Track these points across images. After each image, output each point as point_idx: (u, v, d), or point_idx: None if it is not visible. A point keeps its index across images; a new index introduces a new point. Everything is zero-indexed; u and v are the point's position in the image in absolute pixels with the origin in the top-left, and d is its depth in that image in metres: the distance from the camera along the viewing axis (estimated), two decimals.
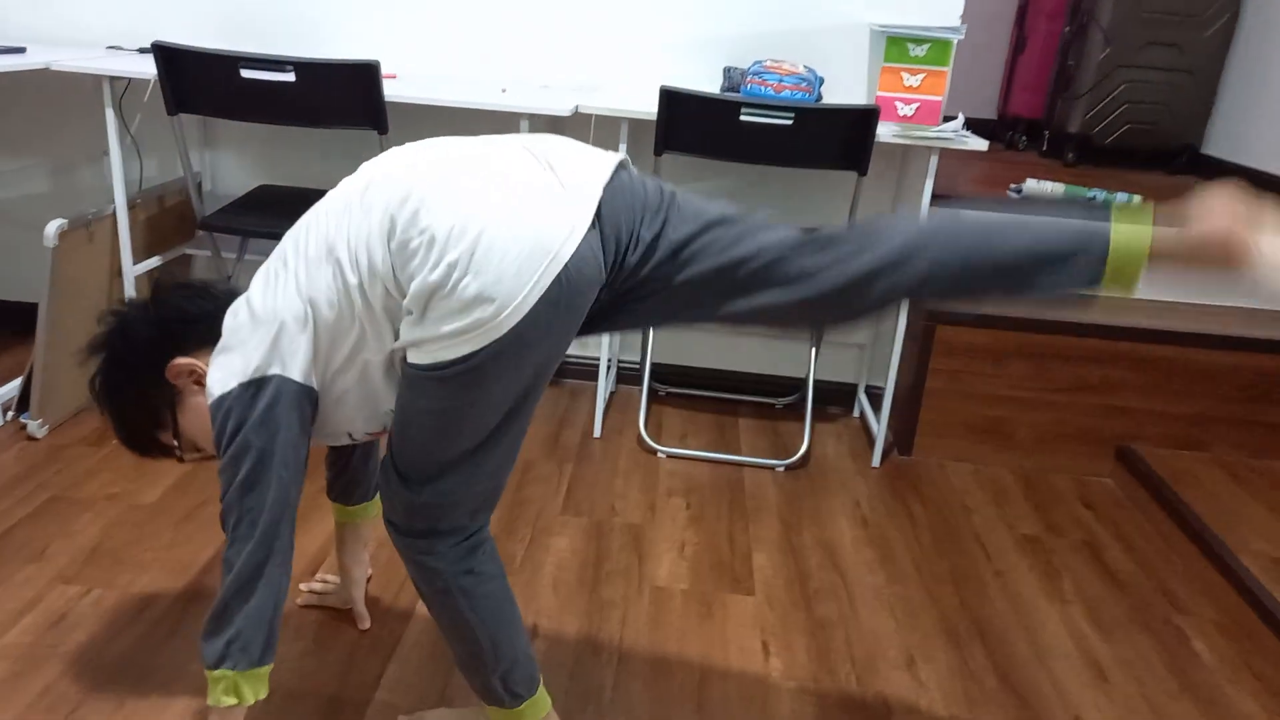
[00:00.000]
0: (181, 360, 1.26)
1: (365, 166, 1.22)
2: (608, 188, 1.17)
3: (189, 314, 1.29)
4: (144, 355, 1.28)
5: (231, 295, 1.25)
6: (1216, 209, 1.07)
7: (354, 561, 1.69)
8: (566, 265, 1.09)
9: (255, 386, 1.16)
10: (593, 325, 1.24)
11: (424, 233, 1.08)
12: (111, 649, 1.59)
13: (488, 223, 1.08)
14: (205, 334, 1.23)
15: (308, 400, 1.19)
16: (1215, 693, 1.71)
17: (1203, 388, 2.47)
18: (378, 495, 1.63)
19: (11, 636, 1.60)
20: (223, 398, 1.17)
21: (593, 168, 1.19)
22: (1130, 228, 1.09)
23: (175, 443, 1.33)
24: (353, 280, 1.13)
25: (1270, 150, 3.08)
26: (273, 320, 1.16)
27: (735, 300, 1.20)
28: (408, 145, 1.23)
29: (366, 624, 1.69)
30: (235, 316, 1.20)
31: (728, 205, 1.24)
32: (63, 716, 1.44)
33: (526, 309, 1.08)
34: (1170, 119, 3.30)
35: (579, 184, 1.16)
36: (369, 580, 1.81)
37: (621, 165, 1.23)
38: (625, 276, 1.21)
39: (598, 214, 1.15)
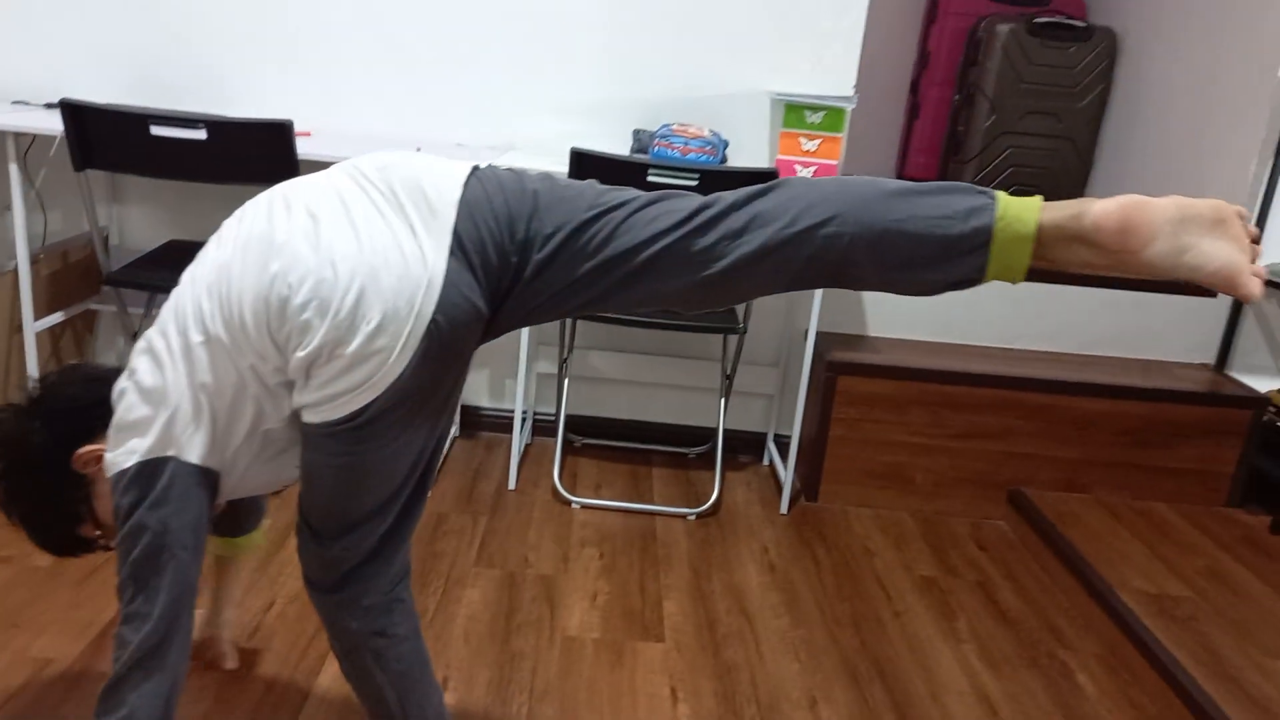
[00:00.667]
0: (87, 448, 1.23)
1: (228, 229, 1.19)
2: (462, 205, 1.13)
3: (83, 401, 1.26)
4: (46, 455, 1.25)
5: (116, 372, 1.24)
6: (1114, 201, 1.04)
7: (228, 600, 1.68)
8: (434, 315, 1.09)
9: (152, 468, 1.15)
10: (500, 326, 1.20)
11: (294, 312, 1.08)
12: (3, 714, 1.54)
13: (349, 292, 1.07)
14: (104, 417, 1.21)
15: (205, 481, 1.18)
16: None
17: (1086, 433, 2.63)
18: (265, 521, 1.64)
19: None
20: (120, 474, 1.16)
21: (442, 189, 1.14)
22: (1021, 201, 1.06)
23: (97, 533, 1.30)
24: (243, 364, 1.14)
25: None
26: (164, 405, 1.15)
27: (632, 287, 1.15)
28: (263, 199, 1.19)
29: (231, 664, 1.68)
30: (125, 396, 1.18)
31: (602, 190, 1.18)
32: None
33: (404, 364, 1.10)
34: (1052, 181, 3.53)
35: (430, 214, 1.12)
36: (261, 651, 1.78)
37: (474, 173, 1.18)
38: (509, 282, 1.16)
39: (458, 238, 1.11)
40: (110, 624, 1.80)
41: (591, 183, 1.20)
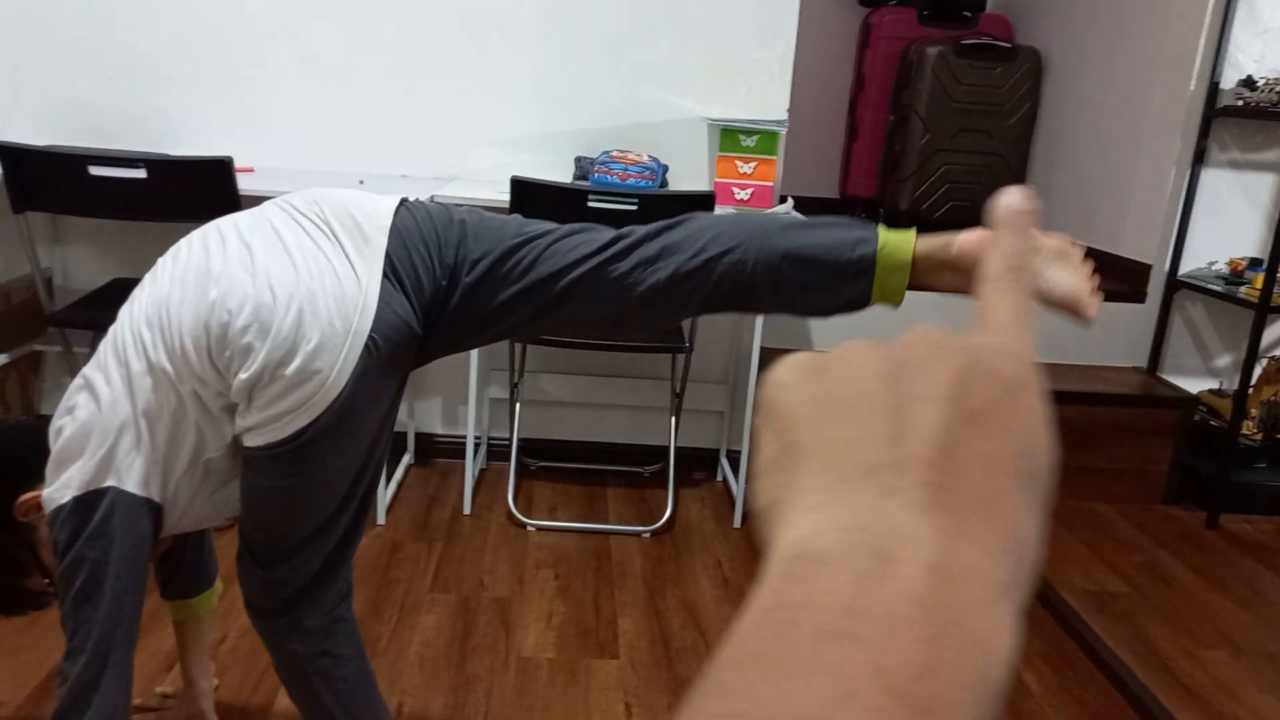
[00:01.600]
0: (27, 495, 1.23)
1: (163, 265, 1.22)
2: (393, 230, 1.20)
3: (16, 451, 1.26)
4: None
5: (47, 420, 1.24)
6: (975, 231, 1.16)
7: (199, 671, 1.63)
8: (371, 334, 1.15)
9: (90, 499, 1.16)
10: (432, 349, 1.26)
11: (235, 336, 1.12)
12: None
13: (288, 314, 1.12)
14: (39, 465, 1.21)
15: (146, 510, 1.19)
16: (1040, 719, 1.87)
17: None
18: (217, 583, 1.63)
19: None
20: (58, 510, 1.17)
21: (373, 216, 1.21)
22: (898, 234, 1.18)
23: (46, 581, 1.29)
24: (184, 389, 1.16)
25: (1073, 222, 3.44)
26: (105, 436, 1.16)
27: (555, 311, 1.23)
28: (197, 235, 1.23)
29: None
30: (63, 432, 1.19)
31: (525, 221, 1.27)
32: None
33: (343, 383, 1.14)
34: (986, 197, 3.62)
35: (363, 239, 1.18)
36: (216, 687, 1.74)
37: (403, 204, 1.26)
38: (439, 306, 1.23)
39: (390, 262, 1.18)
40: (57, 667, 1.78)
41: (516, 216, 1.30)
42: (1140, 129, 3.13)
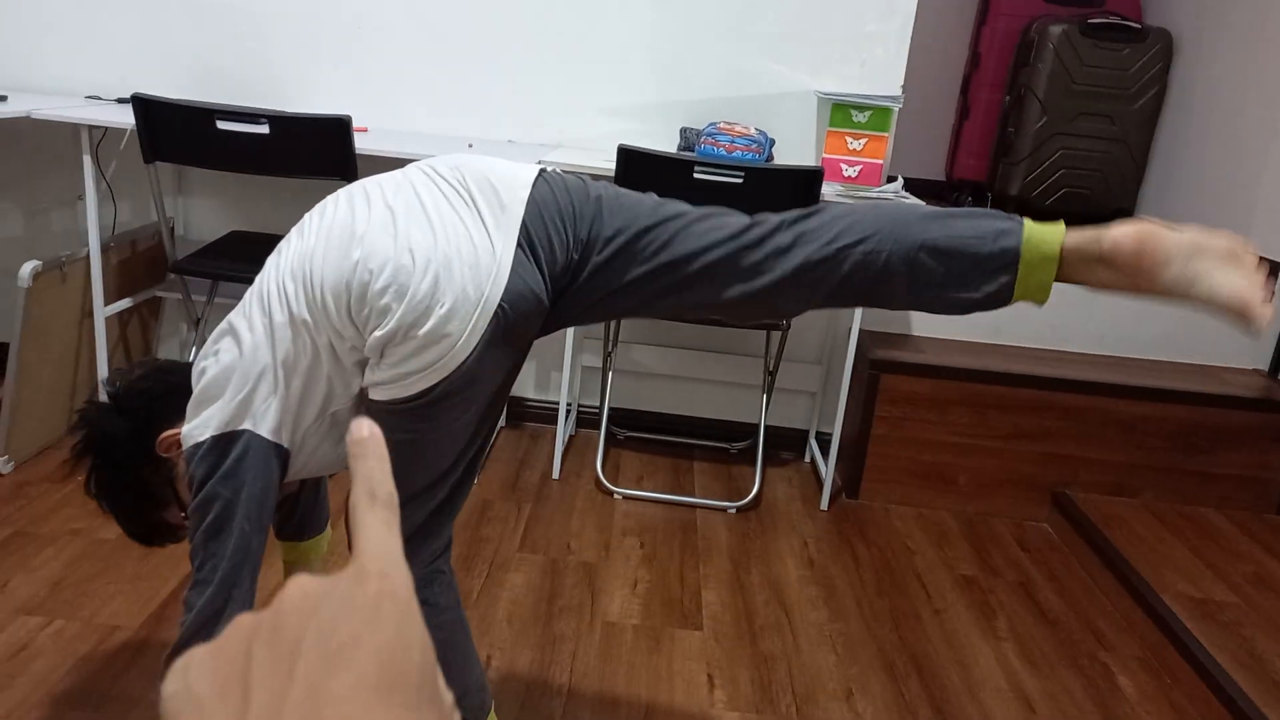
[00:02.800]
0: (168, 432, 1.29)
1: (310, 220, 1.25)
2: (530, 202, 1.22)
3: (157, 391, 1.33)
4: (128, 443, 1.32)
5: (189, 367, 1.30)
6: (1129, 224, 1.13)
7: None
8: (501, 303, 1.17)
9: (226, 440, 1.22)
10: (555, 322, 1.29)
11: (374, 296, 1.15)
12: (71, 678, 1.63)
13: (425, 278, 1.14)
14: (180, 404, 1.27)
15: (276, 456, 1.24)
16: None
17: (1133, 437, 2.61)
18: (327, 529, 1.69)
19: None
20: (196, 446, 1.23)
21: (513, 186, 1.23)
22: (1045, 226, 1.15)
23: (183, 515, 1.36)
24: (321, 342, 1.20)
25: (1198, 215, 3.27)
26: (245, 379, 1.22)
27: (682, 293, 1.24)
28: (343, 194, 1.26)
29: None
30: (207, 373, 1.25)
31: (660, 201, 1.26)
32: None
33: (471, 347, 1.17)
34: (1104, 185, 3.49)
35: (500, 208, 1.20)
36: None
37: (541, 175, 1.27)
38: (568, 279, 1.25)
39: (525, 232, 1.20)
40: (171, 594, 1.88)
41: (650, 194, 1.29)
42: (1277, 117, 2.95)
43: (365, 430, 0.35)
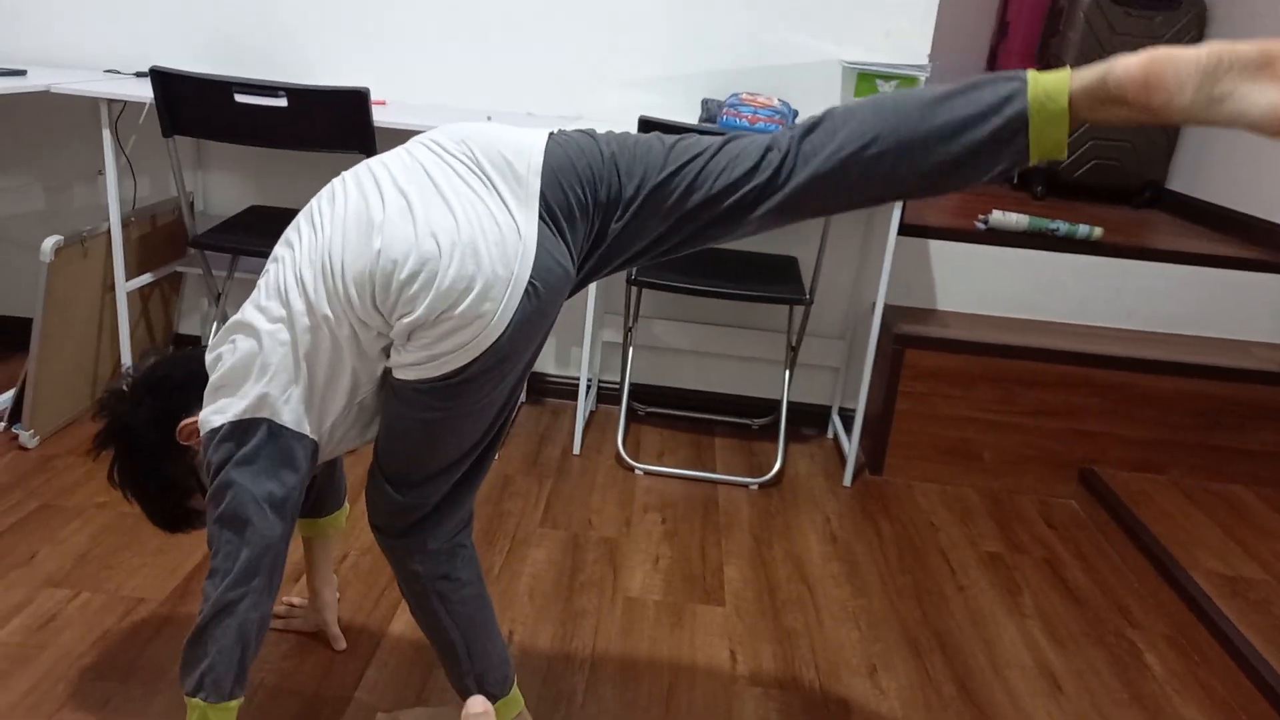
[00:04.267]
0: (188, 420, 1.28)
1: (320, 210, 1.22)
2: (545, 171, 1.18)
3: (177, 378, 1.32)
4: (150, 431, 1.31)
5: (202, 349, 1.29)
6: (1136, 54, 1.06)
7: (324, 583, 1.70)
8: (531, 280, 1.15)
9: (245, 426, 1.20)
10: (581, 284, 1.27)
11: (400, 286, 1.13)
12: (97, 649, 1.64)
13: (452, 263, 1.12)
14: (200, 392, 1.26)
15: (298, 444, 1.22)
16: (1163, 703, 1.79)
17: (1161, 413, 2.57)
18: (344, 504, 1.69)
19: (0, 636, 1.64)
20: (213, 432, 1.21)
21: (525, 156, 1.19)
22: (1049, 77, 1.09)
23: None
24: (343, 333, 1.18)
25: (1231, 187, 3.20)
26: (263, 372, 1.19)
27: (705, 233, 1.23)
28: (350, 179, 1.23)
29: (342, 645, 1.70)
30: (222, 360, 1.23)
31: (672, 144, 1.24)
32: (49, 714, 1.48)
33: (502, 327, 1.14)
34: (1134, 156, 3.42)
35: (516, 182, 1.17)
36: (338, 600, 1.82)
37: (551, 139, 1.23)
38: (590, 244, 1.23)
39: (545, 203, 1.17)
40: (196, 568, 1.89)
41: (658, 135, 1.26)
42: None
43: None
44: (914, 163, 1.13)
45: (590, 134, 1.26)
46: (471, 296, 1.12)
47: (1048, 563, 2.26)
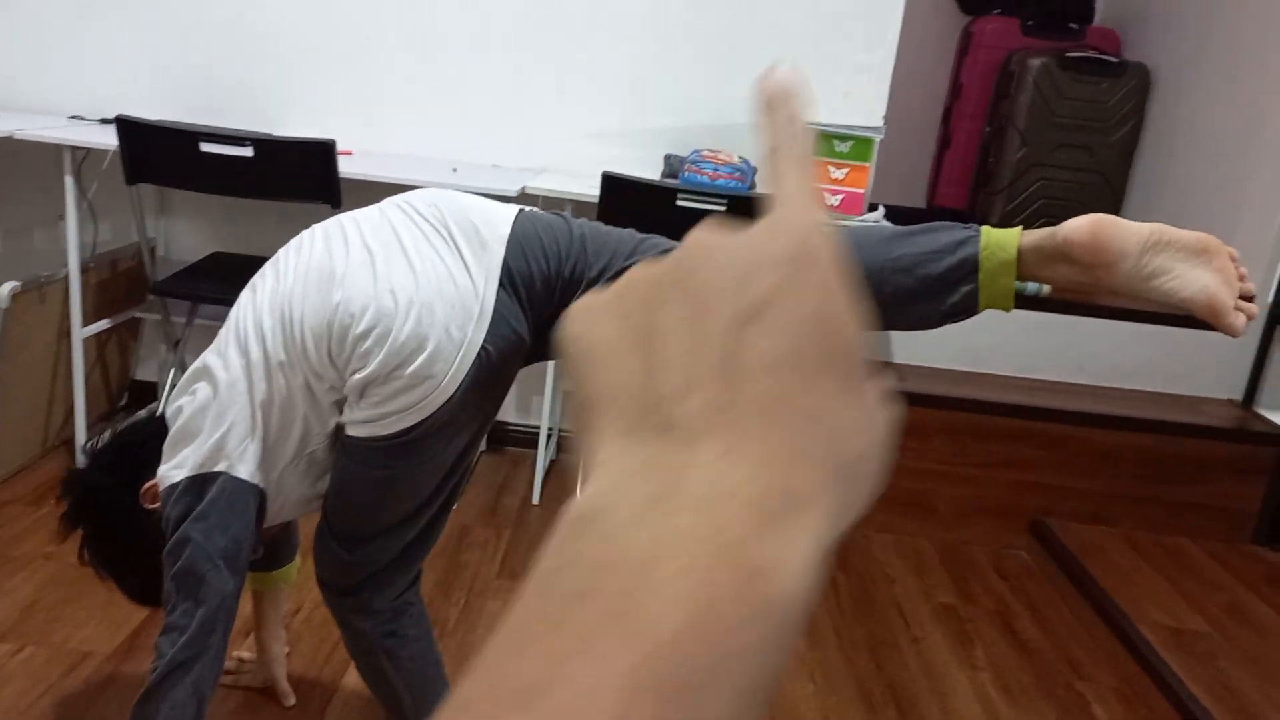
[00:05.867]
0: (150, 482, 1.27)
1: (285, 258, 1.24)
2: (511, 240, 1.21)
3: (139, 440, 1.31)
4: (115, 500, 1.30)
5: (162, 419, 1.28)
6: (1083, 217, 1.12)
7: (272, 637, 1.68)
8: (484, 344, 1.17)
9: (202, 481, 1.20)
10: (534, 358, 1.28)
11: (356, 340, 1.14)
12: (42, 704, 1.61)
13: (407, 321, 1.13)
14: (159, 451, 1.26)
15: (253, 497, 1.22)
16: None
17: (1111, 466, 2.63)
18: (296, 558, 1.67)
19: None
20: (171, 488, 1.21)
21: (493, 224, 1.22)
22: (1001, 231, 1.14)
23: None
24: (296, 382, 1.19)
25: None
26: (221, 419, 1.20)
27: None
28: (319, 231, 1.25)
29: (291, 701, 1.68)
30: (181, 412, 1.23)
31: (641, 238, 1.27)
32: None
33: (453, 389, 1.16)
34: (1080, 207, 3.53)
35: (481, 247, 1.20)
36: (288, 655, 1.78)
37: (521, 213, 1.26)
38: (551, 317, 1.24)
39: (507, 271, 1.19)
40: (145, 620, 1.86)
41: (630, 231, 1.30)
42: (1253, 152, 3.00)
43: (786, 78, 0.29)
44: (872, 290, 1.17)
45: (563, 215, 1.30)
46: (423, 356, 1.14)
47: (999, 614, 2.29)
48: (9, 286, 2.22)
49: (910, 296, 1.16)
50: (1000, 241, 1.12)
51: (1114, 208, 3.58)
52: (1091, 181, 3.50)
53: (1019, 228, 1.14)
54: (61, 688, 1.65)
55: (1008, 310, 1.15)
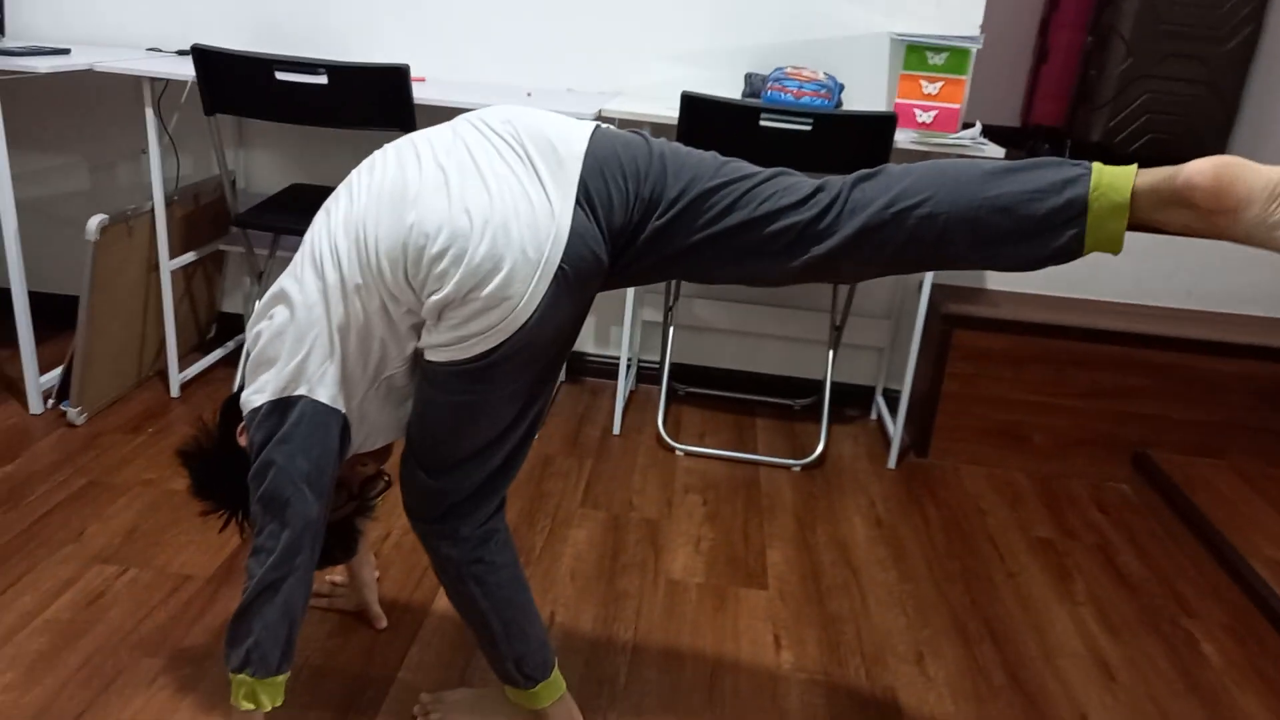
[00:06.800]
0: (243, 424, 1.28)
1: (359, 178, 1.21)
2: (588, 157, 1.17)
3: (233, 398, 1.33)
4: (227, 453, 1.33)
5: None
6: (1207, 160, 1.03)
7: (362, 563, 1.70)
8: (561, 264, 1.12)
9: (283, 405, 1.20)
10: (613, 282, 1.24)
11: (431, 260, 1.11)
12: (146, 625, 1.65)
13: (483, 241, 1.10)
14: None
15: (335, 421, 1.22)
16: (1221, 693, 1.73)
17: (1219, 395, 2.49)
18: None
19: (51, 612, 1.66)
20: (253, 412, 1.22)
21: (569, 142, 1.18)
22: (1114, 170, 1.06)
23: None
24: (373, 305, 1.17)
25: None
26: (299, 343, 1.20)
27: (742, 262, 1.19)
28: (392, 150, 1.21)
29: (383, 624, 1.71)
30: (261, 336, 1.24)
31: (724, 161, 1.21)
32: (100, 688, 1.50)
33: (531, 310, 1.13)
34: (1190, 131, 3.31)
35: (558, 165, 1.15)
36: (379, 580, 1.81)
37: (598, 129, 1.22)
38: (628, 239, 1.20)
39: (584, 189, 1.15)
40: (241, 545, 1.90)
41: (713, 153, 1.23)
42: None
43: None
44: (966, 230, 1.10)
45: (641, 133, 1.25)
46: (500, 277, 1.10)
47: (1100, 549, 2.21)
48: (97, 220, 2.25)
49: (1008, 238, 1.09)
50: (1112, 183, 1.04)
51: (1225, 124, 3.34)
52: (1201, 95, 3.27)
53: (1134, 166, 1.05)
54: (163, 610, 1.70)
55: (1115, 253, 1.07)
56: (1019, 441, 2.56)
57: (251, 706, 1.24)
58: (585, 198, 1.15)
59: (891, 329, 2.80)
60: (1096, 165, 1.06)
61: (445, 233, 1.11)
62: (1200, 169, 1.00)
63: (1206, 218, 1.02)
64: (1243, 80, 3.30)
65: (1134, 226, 1.05)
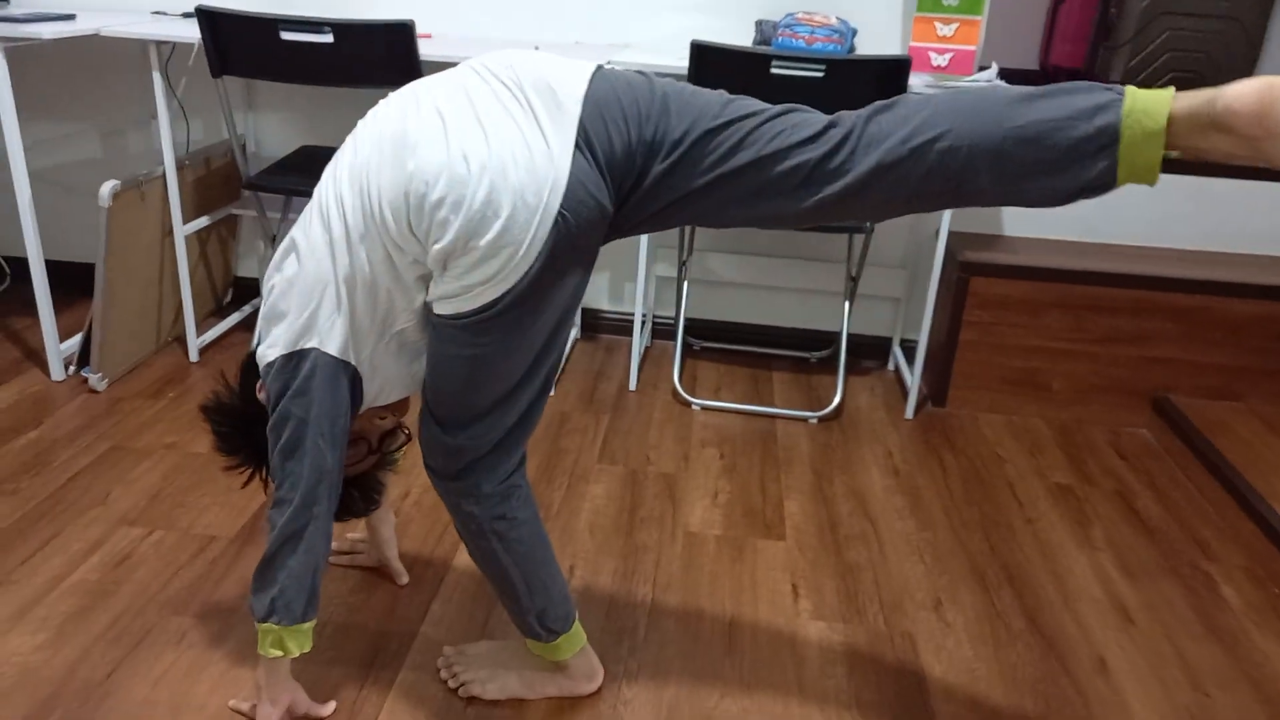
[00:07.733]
0: (260, 382, 1.30)
1: (363, 128, 1.20)
2: (588, 100, 1.14)
3: (249, 355, 1.36)
4: (249, 410, 1.36)
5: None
6: (1250, 81, 0.97)
7: (380, 520, 1.71)
8: (561, 209, 1.10)
9: (295, 358, 1.22)
10: (618, 230, 1.22)
11: (431, 208, 1.11)
12: (173, 586, 1.68)
13: (480, 186, 1.09)
14: None
15: (344, 373, 1.23)
16: (1240, 636, 1.74)
17: (1239, 338, 2.46)
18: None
19: (79, 574, 1.69)
20: (268, 366, 1.24)
21: (569, 84, 1.15)
22: (1150, 94, 0.99)
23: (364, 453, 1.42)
24: (377, 256, 1.17)
25: None
26: (309, 295, 1.21)
27: (752, 203, 1.15)
28: (395, 98, 1.20)
29: (404, 579, 1.73)
30: (274, 290, 1.25)
31: (729, 99, 1.17)
32: (129, 648, 1.53)
33: (533, 258, 1.12)
34: (1214, 70, 3.23)
35: (557, 109, 1.13)
36: (402, 536, 1.84)
37: (599, 71, 1.19)
38: (632, 183, 1.17)
39: (584, 133, 1.12)
40: (263, 506, 1.92)
41: (720, 91, 1.19)
42: None
43: None
44: (988, 163, 1.04)
45: (645, 74, 1.21)
46: (499, 224, 1.09)
47: (1119, 494, 2.20)
48: (110, 186, 2.25)
49: (1036, 169, 1.02)
50: (1147, 108, 0.97)
51: (1250, 61, 3.26)
52: (1226, 30, 3.19)
53: (1170, 90, 0.98)
54: (189, 570, 1.73)
55: (1151, 184, 1.01)
56: (1038, 389, 2.54)
57: (279, 653, 1.27)
58: (585, 141, 1.12)
59: (908, 278, 2.77)
60: (1130, 89, 1.00)
61: (444, 179, 1.10)
62: (1242, 92, 0.94)
63: (1250, 143, 0.96)
64: (1268, 13, 3.21)
65: (1170, 149, 0.99)
